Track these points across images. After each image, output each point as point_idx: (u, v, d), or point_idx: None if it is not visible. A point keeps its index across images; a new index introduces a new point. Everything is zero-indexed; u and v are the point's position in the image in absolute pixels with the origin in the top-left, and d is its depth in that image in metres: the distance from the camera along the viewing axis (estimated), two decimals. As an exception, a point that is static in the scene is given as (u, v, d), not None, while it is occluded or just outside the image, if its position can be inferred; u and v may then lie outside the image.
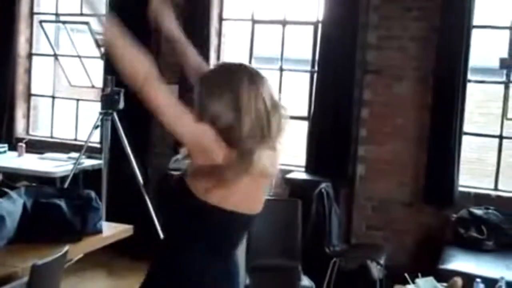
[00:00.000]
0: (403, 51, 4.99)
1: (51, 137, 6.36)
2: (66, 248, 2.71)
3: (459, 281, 3.40)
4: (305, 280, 3.89)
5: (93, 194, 3.32)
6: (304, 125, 5.44)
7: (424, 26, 4.92)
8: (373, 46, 5.07)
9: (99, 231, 3.26)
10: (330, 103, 5.13)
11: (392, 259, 4.68)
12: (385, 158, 5.08)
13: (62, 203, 3.14)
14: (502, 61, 4.87)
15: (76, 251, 3.16)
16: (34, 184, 3.37)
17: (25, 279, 2.64)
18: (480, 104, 5.44)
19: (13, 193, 3.00)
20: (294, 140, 5.64)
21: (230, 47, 5.81)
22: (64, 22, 6.14)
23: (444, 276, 3.53)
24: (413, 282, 3.36)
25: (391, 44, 5.02)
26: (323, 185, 4.59)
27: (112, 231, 3.39)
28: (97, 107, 6.04)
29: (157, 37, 5.69)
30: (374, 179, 5.11)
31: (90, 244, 3.19)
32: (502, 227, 4.60)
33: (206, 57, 5.51)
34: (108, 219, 4.80)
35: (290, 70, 5.64)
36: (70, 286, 4.51)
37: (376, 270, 4.63)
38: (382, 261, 4.45)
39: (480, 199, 4.84)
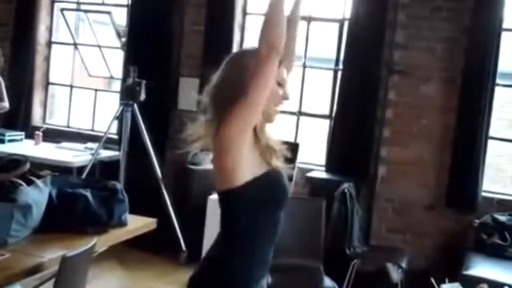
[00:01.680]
0: (430, 52, 4.92)
1: (68, 126, 6.31)
2: (94, 240, 2.66)
3: (485, 287, 3.35)
4: (327, 281, 3.82)
5: (119, 185, 3.28)
6: (326, 124, 5.38)
7: (453, 27, 4.84)
8: (400, 45, 4.99)
9: (124, 224, 3.21)
10: (354, 102, 5.06)
11: (412, 263, 4.60)
12: (408, 159, 5.01)
13: (88, 194, 3.09)
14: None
15: (101, 243, 3.10)
16: (58, 174, 3.29)
17: (52, 269, 2.59)
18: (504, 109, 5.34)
19: (39, 182, 2.94)
20: (315, 138, 5.58)
21: (253, 42, 5.72)
22: (85, 11, 6.08)
23: (469, 282, 3.46)
24: (439, 287, 3.31)
25: (418, 44, 4.94)
26: (345, 185, 4.52)
27: (136, 224, 3.33)
28: (114, 98, 6.02)
29: (179, 30, 5.64)
30: (396, 180, 5.03)
31: (115, 236, 3.14)
32: (525, 234, 4.52)
33: (229, 51, 5.43)
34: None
35: (314, 67, 5.56)
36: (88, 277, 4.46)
37: (396, 273, 4.57)
38: (402, 264, 4.38)
39: (504, 205, 4.76)
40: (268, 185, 1.96)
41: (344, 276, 4.34)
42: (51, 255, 2.62)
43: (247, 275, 1.96)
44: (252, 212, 1.94)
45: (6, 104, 5.23)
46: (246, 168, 1.91)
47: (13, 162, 3.00)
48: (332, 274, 4.11)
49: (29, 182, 2.91)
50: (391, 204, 5.05)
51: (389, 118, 5.07)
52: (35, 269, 2.54)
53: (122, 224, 3.19)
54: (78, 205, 3.03)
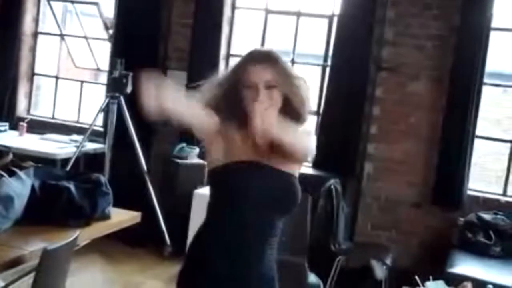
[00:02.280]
0: (419, 50, 4.91)
1: (53, 118, 6.24)
2: (77, 233, 2.62)
3: (469, 286, 3.34)
4: (312, 277, 3.81)
5: (102, 178, 3.23)
6: (313, 120, 5.35)
7: (442, 25, 4.83)
8: (389, 42, 4.98)
9: (108, 217, 3.17)
10: (341, 99, 5.04)
11: (397, 260, 4.60)
12: (394, 157, 5.00)
13: (71, 186, 3.04)
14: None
15: (83, 236, 3.06)
16: (40, 165, 3.24)
17: (33, 262, 2.55)
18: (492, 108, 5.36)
19: (22, 174, 2.89)
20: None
21: (242, 36, 5.70)
22: (72, 1, 6.01)
23: (453, 280, 3.44)
24: (423, 285, 3.30)
25: (407, 41, 4.93)
26: (331, 181, 4.50)
27: (120, 217, 3.29)
28: (101, 90, 5.96)
29: (167, 23, 5.59)
30: (382, 177, 5.03)
31: (98, 229, 3.09)
32: (510, 233, 4.54)
33: (217, 45, 5.41)
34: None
35: (302, 63, 5.54)
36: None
37: (380, 270, 4.56)
38: (387, 262, 4.37)
39: (489, 204, 4.78)
40: (218, 179, 2.05)
41: (328, 272, 4.33)
42: (32, 247, 2.57)
43: (201, 261, 2.03)
44: (210, 200, 2.07)
45: None
46: (215, 153, 2.04)
47: (-5, 152, 2.94)
48: (316, 270, 4.10)
49: (11, 173, 2.86)
50: (377, 201, 5.05)
51: (376, 115, 5.06)
52: (16, 262, 2.50)
53: (105, 217, 3.15)
54: (61, 197, 2.99)
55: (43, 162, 4.67)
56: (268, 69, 2.01)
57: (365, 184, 5.08)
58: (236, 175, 2.00)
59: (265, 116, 1.94)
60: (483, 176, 5.25)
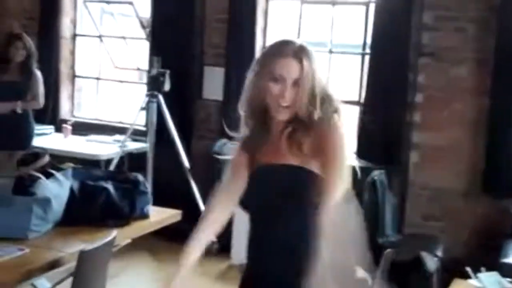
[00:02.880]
0: (460, 32, 4.72)
1: (96, 119, 6.29)
2: (114, 233, 2.60)
3: (526, 277, 3.19)
4: (360, 272, 3.70)
5: (140, 177, 3.23)
6: (355, 110, 5.24)
7: (483, 6, 4.63)
8: (429, 27, 4.81)
9: (147, 216, 3.16)
10: (383, 87, 4.91)
11: (448, 251, 4.45)
12: (440, 144, 4.84)
13: (109, 186, 3.05)
14: None
15: (123, 236, 3.06)
16: (80, 166, 3.25)
17: (71, 264, 2.55)
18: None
19: (59, 175, 2.91)
20: (345, 125, 5.44)
21: (277, 28, 5.61)
22: (108, 2, 6.04)
23: (508, 270, 3.31)
24: (476, 276, 3.17)
25: (448, 25, 4.75)
26: (375, 172, 4.38)
27: (160, 216, 3.28)
28: (142, 89, 5.97)
29: (202, 19, 5.56)
30: (429, 166, 4.87)
31: (137, 229, 3.09)
32: None
33: (252, 38, 5.34)
34: (153, 203, 4.71)
35: (340, 52, 5.42)
36: (114, 270, 4.43)
37: (431, 262, 4.42)
38: (438, 253, 4.23)
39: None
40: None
41: (376, 266, 4.22)
42: (71, 249, 2.58)
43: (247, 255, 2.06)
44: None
45: (40, 101, 5.17)
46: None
47: (33, 155, 2.96)
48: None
49: (49, 175, 2.87)
50: (425, 191, 4.89)
51: (419, 103, 4.90)
52: (54, 264, 2.51)
53: (144, 216, 3.15)
54: (100, 198, 3.00)
55: (87, 163, 4.74)
56: (297, 65, 1.90)
57: (412, 174, 4.93)
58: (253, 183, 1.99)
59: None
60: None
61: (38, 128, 5.51)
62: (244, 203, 2.06)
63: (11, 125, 4.95)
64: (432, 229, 4.81)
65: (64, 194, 2.88)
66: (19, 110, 4.94)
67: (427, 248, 4.30)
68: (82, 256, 2.32)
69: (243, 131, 2.02)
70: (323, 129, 1.93)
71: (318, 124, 1.93)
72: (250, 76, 1.98)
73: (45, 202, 2.73)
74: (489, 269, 3.18)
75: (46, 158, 2.92)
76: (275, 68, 1.90)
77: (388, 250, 4.22)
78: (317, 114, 1.92)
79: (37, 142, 5.21)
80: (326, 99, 1.95)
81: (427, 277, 4.22)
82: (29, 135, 5.12)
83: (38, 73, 5.10)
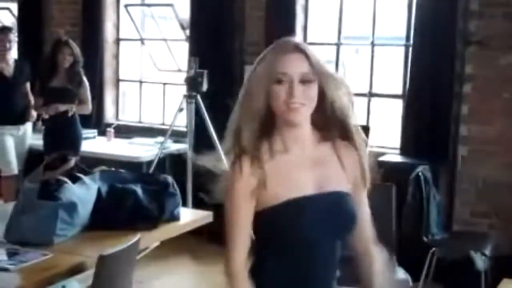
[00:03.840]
0: (509, 19, 4.48)
1: (139, 121, 6.32)
2: (137, 237, 2.55)
3: None
4: (400, 272, 3.55)
5: (170, 179, 3.17)
6: (399, 104, 5.06)
7: (534, -11, 4.39)
8: (475, 14, 4.58)
9: (177, 218, 3.10)
10: (428, 79, 4.71)
11: (499, 249, 4.23)
12: (490, 137, 4.61)
13: (138, 189, 3.01)
14: None
15: (152, 238, 3.02)
16: (109, 169, 3.22)
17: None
18: None
19: (86, 179, 2.88)
20: (388, 119, 5.28)
21: (318, 24, 5.48)
22: (149, 5, 6.06)
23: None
24: (526, 276, 2.98)
25: (495, 11, 4.52)
26: (420, 168, 4.20)
27: (190, 217, 3.22)
28: (183, 90, 5.96)
29: (240, 17, 5.49)
30: (478, 160, 4.65)
31: (167, 231, 3.04)
32: None
33: (291, 35, 5.21)
34: (194, 204, 4.67)
35: (383, 44, 5.25)
36: (154, 272, 4.42)
37: (480, 261, 4.21)
38: (487, 251, 4.02)
39: None
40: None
41: (422, 266, 4.05)
42: (96, 253, 2.53)
43: None
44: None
45: (88, 106, 5.26)
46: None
47: (60, 159, 2.95)
48: (408, 265, 3.84)
49: (76, 179, 2.85)
50: (474, 186, 4.67)
51: (467, 94, 4.68)
52: (77, 269, 2.48)
53: (174, 218, 3.09)
54: (128, 200, 2.96)
55: (129, 166, 4.74)
56: (303, 59, 1.68)
57: (460, 168, 4.72)
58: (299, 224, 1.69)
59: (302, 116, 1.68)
60: None
61: (83, 132, 5.58)
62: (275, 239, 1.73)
63: (63, 128, 5.06)
64: (482, 226, 4.60)
65: (91, 197, 2.86)
66: (71, 113, 5.01)
67: (476, 247, 4.10)
68: (101, 260, 2.27)
69: (249, 149, 1.70)
70: (359, 142, 1.75)
71: (354, 135, 1.74)
72: (246, 85, 1.74)
73: (71, 207, 2.71)
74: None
75: (72, 162, 2.90)
76: (277, 67, 1.66)
77: (434, 249, 4.04)
78: (353, 121, 1.72)
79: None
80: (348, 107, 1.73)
81: (476, 277, 4.02)
82: (79, 139, 5.20)
83: (85, 79, 5.18)
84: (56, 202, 2.68)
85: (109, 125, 6.06)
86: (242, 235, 1.72)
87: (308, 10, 5.40)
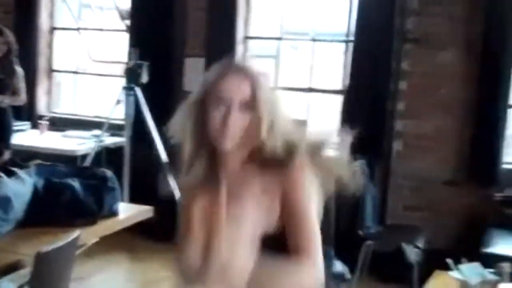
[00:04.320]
0: (447, 17, 4.61)
1: (74, 114, 6.16)
2: (76, 233, 2.48)
3: (507, 267, 3.11)
4: (338, 265, 3.61)
5: (108, 173, 3.10)
6: (337, 99, 5.13)
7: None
8: (413, 12, 4.70)
9: (116, 213, 3.04)
10: (366, 75, 4.80)
11: (431, 242, 4.37)
12: (425, 133, 4.74)
13: (75, 183, 2.93)
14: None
15: (91, 234, 2.95)
16: (46, 163, 3.13)
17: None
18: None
19: (22, 173, 2.79)
20: (327, 115, 5.35)
21: (260, 18, 5.48)
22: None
23: (490, 261, 3.22)
24: (457, 268, 3.09)
25: (433, 9, 4.64)
26: (356, 163, 4.27)
27: (130, 212, 3.17)
28: (121, 82, 5.85)
29: (182, 8, 5.43)
30: (412, 155, 4.78)
31: (106, 227, 2.98)
32: (552, 208, 4.26)
33: (233, 28, 5.22)
34: (132, 198, 4.60)
35: (323, 40, 5.31)
36: (91, 269, 4.33)
37: (413, 254, 4.33)
38: (420, 244, 4.15)
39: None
40: None
41: (357, 258, 4.13)
42: (31, 251, 2.45)
43: None
44: None
45: (22, 97, 5.07)
46: None
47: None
48: (344, 257, 3.91)
49: (10, 174, 2.75)
50: (408, 181, 4.80)
51: (403, 90, 4.80)
52: (13, 267, 2.39)
53: (113, 214, 3.03)
54: (65, 195, 2.88)
55: (64, 160, 4.61)
56: (246, 83, 1.53)
57: (394, 163, 4.84)
58: None
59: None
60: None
61: (15, 125, 5.39)
62: None
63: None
64: (415, 219, 4.73)
65: (27, 192, 2.77)
66: (3, 105, 4.82)
67: (409, 239, 4.22)
68: (39, 258, 2.20)
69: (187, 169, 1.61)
70: (286, 172, 1.55)
71: (280, 163, 1.56)
72: (189, 103, 1.58)
73: (5, 202, 2.62)
74: (472, 259, 3.10)
75: (6, 155, 2.80)
76: (216, 88, 1.53)
77: (368, 242, 4.13)
78: (278, 149, 1.54)
79: (12, 139, 5.09)
80: (289, 131, 1.58)
81: (408, 269, 4.14)
82: (10, 131, 5.01)
83: (19, 69, 5.00)
84: (-11, 197, 2.58)
85: (42, 117, 5.88)
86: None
87: (250, 3, 5.39)
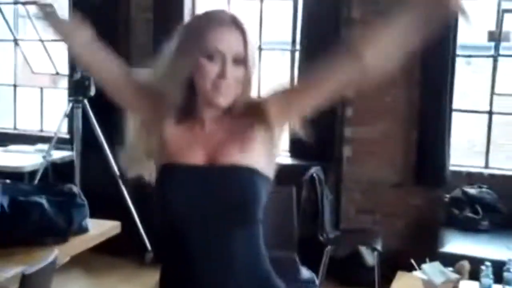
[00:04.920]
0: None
1: (15, 128, 5.95)
2: (55, 252, 2.41)
3: (466, 265, 3.25)
4: (305, 271, 3.67)
5: (76, 189, 3.04)
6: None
7: None
8: (357, 22, 4.84)
9: (86, 230, 2.98)
10: (314, 84, 4.89)
11: (385, 244, 4.49)
12: (373, 138, 4.88)
13: (43, 201, 2.85)
14: (490, 34, 4.72)
15: (62, 253, 2.86)
16: (8, 181, 3.02)
17: (11, 288, 2.35)
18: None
19: (-13, 192, 2.68)
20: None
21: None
22: (24, 3, 5.71)
23: (448, 260, 3.36)
24: (420, 268, 3.19)
25: (376, 19, 4.79)
26: (313, 169, 4.35)
27: (99, 229, 3.10)
28: (61, 95, 5.71)
29: (126, 19, 5.36)
30: (362, 160, 4.91)
31: (77, 245, 2.91)
32: (496, 206, 4.47)
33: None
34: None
35: (270, 49, 5.38)
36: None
37: (370, 256, 4.46)
38: (377, 247, 4.26)
39: (472, 178, 4.70)
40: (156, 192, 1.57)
41: (319, 264, 4.20)
42: (8, 272, 2.37)
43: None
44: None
45: None
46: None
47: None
48: (308, 264, 3.97)
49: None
50: (358, 185, 4.93)
51: (351, 97, 4.92)
52: (-9, 290, 2.30)
53: (83, 230, 2.97)
54: (33, 214, 2.80)
55: (9, 177, 4.44)
56: (239, 37, 1.52)
57: (345, 168, 4.95)
58: (175, 192, 1.53)
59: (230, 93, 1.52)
60: (464, 150, 5.19)
61: None
62: (162, 207, 1.57)
63: None
64: (367, 222, 4.85)
65: (-7, 212, 2.67)
66: None
67: (365, 242, 4.33)
68: (24, 279, 2.13)
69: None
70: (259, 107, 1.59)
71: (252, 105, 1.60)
72: (170, 49, 1.57)
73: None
74: (424, 258, 3.20)
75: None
76: (210, 39, 1.50)
77: (328, 247, 4.22)
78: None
79: None
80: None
81: (368, 271, 4.25)
82: None
83: None
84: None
85: (-21, 132, 5.65)
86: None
87: (195, 12, 5.39)
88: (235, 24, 1.53)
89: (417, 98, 4.72)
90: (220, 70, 1.50)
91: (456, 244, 4.06)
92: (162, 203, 1.54)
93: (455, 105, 4.74)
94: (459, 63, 4.76)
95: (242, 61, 1.52)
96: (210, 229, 1.51)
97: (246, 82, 1.56)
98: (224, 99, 1.53)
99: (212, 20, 1.53)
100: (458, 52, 4.70)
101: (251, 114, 1.59)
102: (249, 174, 1.53)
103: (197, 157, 1.55)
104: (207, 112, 1.57)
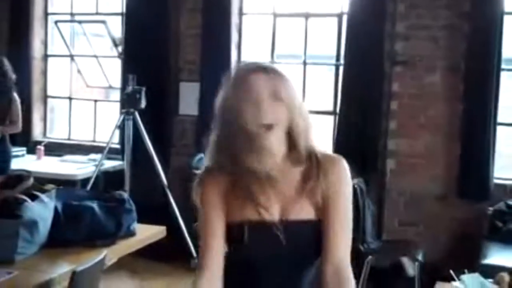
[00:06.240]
0: (433, 41, 4.83)
1: (69, 139, 6.23)
2: (104, 252, 2.57)
3: (506, 276, 3.25)
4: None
5: (125, 195, 3.20)
6: (330, 120, 5.29)
7: (454, 13, 4.76)
8: (401, 36, 4.91)
9: (133, 234, 3.13)
10: (358, 97, 4.98)
11: (427, 256, 4.51)
12: (416, 151, 4.92)
13: (94, 205, 3.02)
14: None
15: (110, 255, 3.02)
16: (61, 187, 3.21)
17: (61, 285, 2.51)
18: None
19: (44, 197, 2.87)
20: (320, 135, 5.49)
21: (251, 42, 5.65)
22: (80, 22, 6.01)
23: (489, 271, 3.36)
24: (459, 279, 3.22)
25: (420, 33, 4.86)
26: (355, 180, 4.42)
27: (145, 233, 3.25)
28: (113, 108, 5.95)
29: (176, 35, 5.57)
30: (405, 173, 4.95)
31: (124, 247, 3.05)
32: (540, 219, 4.44)
33: (227, 53, 5.36)
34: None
35: (314, 63, 5.49)
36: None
37: (411, 267, 4.47)
38: (418, 257, 4.29)
39: (517, 191, 4.68)
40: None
41: (359, 273, 4.25)
42: (61, 270, 2.54)
43: None
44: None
45: (18, 125, 5.13)
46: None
47: (16, 178, 2.92)
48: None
49: (34, 197, 2.83)
50: (402, 197, 4.97)
51: (394, 110, 4.99)
52: (45, 286, 2.46)
53: (131, 234, 3.12)
54: (85, 217, 2.96)
55: (63, 184, 4.67)
56: (275, 78, 1.64)
57: (389, 180, 5.00)
58: (255, 247, 1.66)
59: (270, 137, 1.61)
60: (508, 163, 5.14)
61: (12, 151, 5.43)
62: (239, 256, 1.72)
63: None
64: (410, 234, 4.88)
65: (49, 215, 2.84)
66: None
67: (407, 253, 4.36)
68: (75, 276, 2.29)
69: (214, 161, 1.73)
70: (329, 168, 1.75)
71: (320, 158, 1.73)
72: (220, 99, 1.69)
73: (32, 225, 2.69)
74: (470, 271, 3.23)
75: (30, 180, 2.88)
76: (245, 85, 1.62)
77: (370, 257, 4.26)
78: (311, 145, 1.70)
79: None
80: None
81: (409, 282, 4.27)
82: (8, 159, 5.06)
83: (16, 97, 5.07)
84: (17, 221, 2.65)
85: (38, 142, 5.94)
86: (211, 242, 1.69)
87: (242, 28, 5.55)
88: (265, 70, 1.66)
89: (460, 111, 4.74)
90: (256, 107, 1.63)
91: (498, 256, 4.05)
92: (242, 255, 1.69)
93: (499, 119, 4.73)
94: (504, 76, 4.75)
95: (281, 98, 1.64)
96: (283, 272, 1.69)
97: (292, 118, 1.66)
98: (267, 137, 1.64)
99: (247, 69, 1.67)
100: (503, 66, 4.70)
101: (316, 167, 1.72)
102: (314, 228, 1.70)
103: (272, 214, 1.68)
104: (261, 158, 1.65)
